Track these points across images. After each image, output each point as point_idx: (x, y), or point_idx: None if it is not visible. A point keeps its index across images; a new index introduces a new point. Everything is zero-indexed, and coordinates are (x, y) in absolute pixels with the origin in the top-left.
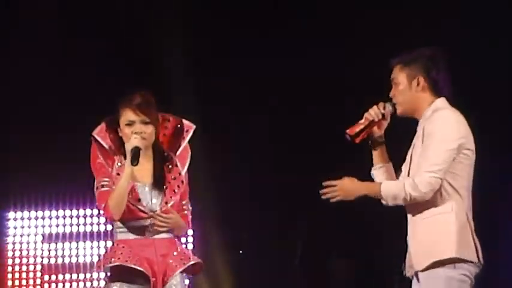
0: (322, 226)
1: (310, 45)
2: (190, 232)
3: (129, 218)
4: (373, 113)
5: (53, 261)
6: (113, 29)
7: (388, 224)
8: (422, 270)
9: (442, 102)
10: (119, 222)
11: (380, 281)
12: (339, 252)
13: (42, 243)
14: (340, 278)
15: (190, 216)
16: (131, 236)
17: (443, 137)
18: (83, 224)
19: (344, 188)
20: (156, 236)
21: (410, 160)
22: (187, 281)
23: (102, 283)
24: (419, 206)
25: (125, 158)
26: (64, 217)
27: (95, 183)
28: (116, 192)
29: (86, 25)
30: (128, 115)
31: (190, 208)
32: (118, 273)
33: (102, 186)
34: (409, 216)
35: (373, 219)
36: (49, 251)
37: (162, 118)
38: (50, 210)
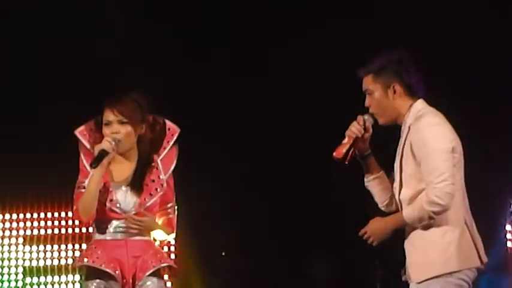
0: (303, 226)
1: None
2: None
3: (102, 218)
4: (355, 129)
5: (34, 263)
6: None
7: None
8: (419, 282)
9: (421, 104)
10: (96, 220)
11: (362, 278)
12: (319, 251)
13: (24, 245)
14: (321, 277)
15: (175, 220)
16: (105, 237)
17: (438, 145)
18: (65, 227)
19: (374, 232)
20: (130, 238)
21: (401, 170)
22: (169, 284)
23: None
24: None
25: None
26: (46, 219)
27: (76, 183)
28: (85, 195)
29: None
30: (106, 115)
31: (175, 212)
32: (91, 273)
33: (78, 187)
34: (406, 230)
35: (354, 216)
36: (30, 253)
37: (152, 120)
38: (32, 213)
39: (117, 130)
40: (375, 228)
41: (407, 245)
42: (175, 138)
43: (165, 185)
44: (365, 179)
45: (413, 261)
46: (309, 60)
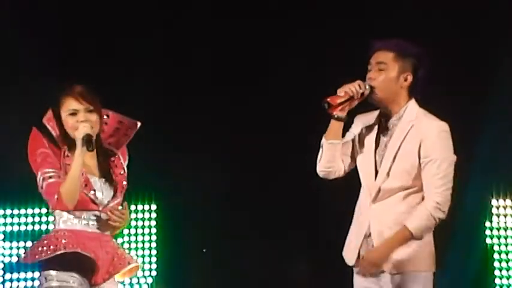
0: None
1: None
2: (153, 231)
3: (80, 208)
4: (354, 89)
5: (14, 259)
6: None
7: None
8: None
9: (416, 103)
10: (63, 213)
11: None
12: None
13: (4, 241)
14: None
15: None
16: (75, 227)
17: (450, 154)
18: (45, 223)
19: (369, 263)
20: (102, 232)
21: (393, 161)
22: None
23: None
24: (401, 213)
25: (70, 149)
26: (26, 215)
27: (39, 174)
28: (68, 181)
29: None
30: (70, 104)
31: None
32: (56, 261)
33: (50, 177)
34: (378, 219)
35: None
36: (10, 249)
37: (107, 114)
38: (12, 209)
39: (87, 118)
40: (372, 261)
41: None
42: (134, 132)
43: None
44: (328, 140)
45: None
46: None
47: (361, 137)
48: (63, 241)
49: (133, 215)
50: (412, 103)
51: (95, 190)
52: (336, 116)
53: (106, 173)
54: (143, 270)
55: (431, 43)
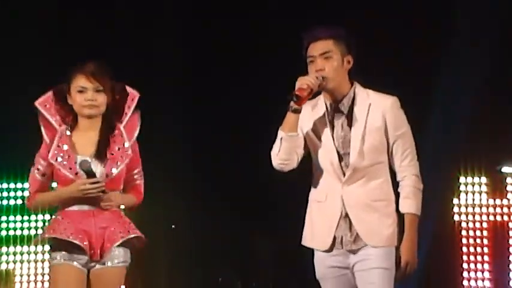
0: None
1: None
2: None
3: None
4: (314, 81)
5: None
6: None
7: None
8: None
9: (359, 85)
10: None
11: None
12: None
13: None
14: (265, 257)
15: (142, 186)
16: (72, 208)
17: (409, 128)
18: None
19: (413, 263)
20: (98, 208)
21: (363, 141)
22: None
23: (45, 256)
24: (373, 190)
25: (71, 128)
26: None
27: (35, 157)
28: (44, 201)
29: None
30: (80, 81)
31: (142, 178)
32: (58, 244)
33: (38, 169)
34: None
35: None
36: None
37: (116, 87)
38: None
39: (94, 97)
40: (409, 259)
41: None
42: (135, 103)
43: (130, 152)
44: (288, 133)
45: (370, 229)
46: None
47: (310, 125)
48: (57, 226)
49: None
50: (357, 84)
51: (78, 173)
52: (293, 108)
53: (101, 150)
54: None
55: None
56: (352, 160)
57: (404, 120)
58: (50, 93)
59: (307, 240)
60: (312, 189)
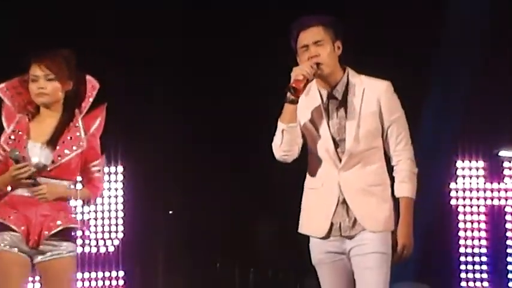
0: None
1: None
2: (120, 193)
3: None
4: (309, 71)
5: None
6: None
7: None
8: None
9: (351, 70)
10: None
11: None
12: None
13: None
14: (264, 238)
15: (101, 181)
16: (16, 192)
17: (401, 109)
18: None
19: (409, 245)
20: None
21: (358, 126)
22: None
23: None
24: (369, 175)
25: (32, 116)
26: None
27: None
28: None
29: None
30: (33, 70)
31: (102, 173)
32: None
33: None
34: (350, 184)
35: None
36: None
37: (76, 77)
38: None
39: (44, 86)
40: (406, 243)
41: (361, 203)
42: (95, 93)
43: (83, 143)
44: (288, 124)
45: (368, 214)
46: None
47: (305, 113)
48: (0, 208)
49: None
50: (350, 70)
51: (24, 156)
52: (290, 99)
53: (54, 138)
54: (110, 232)
55: None
56: (348, 146)
57: (399, 105)
58: (14, 80)
59: (303, 227)
60: (308, 177)
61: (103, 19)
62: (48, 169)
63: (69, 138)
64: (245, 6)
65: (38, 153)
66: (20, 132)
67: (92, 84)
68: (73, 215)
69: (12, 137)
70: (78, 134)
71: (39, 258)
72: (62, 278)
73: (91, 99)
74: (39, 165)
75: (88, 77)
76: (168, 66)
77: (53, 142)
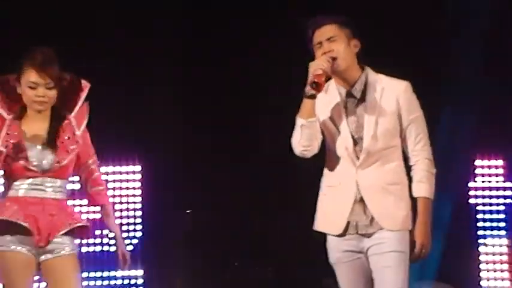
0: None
1: None
2: (138, 192)
3: (16, 176)
4: (327, 65)
5: None
6: None
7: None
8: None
9: (370, 69)
10: (10, 179)
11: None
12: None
13: None
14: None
15: (101, 175)
16: (19, 194)
17: (421, 109)
18: None
19: (428, 244)
20: (46, 196)
21: (376, 124)
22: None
23: None
24: (387, 173)
25: (19, 117)
26: None
27: None
28: None
29: None
30: (31, 76)
31: (96, 164)
32: (5, 229)
33: None
34: (368, 182)
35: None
36: None
37: (64, 77)
38: None
39: (44, 94)
40: (424, 242)
41: (378, 202)
42: (86, 93)
43: (80, 141)
44: (307, 119)
45: (387, 213)
46: None
47: (323, 111)
48: (5, 210)
49: (117, 177)
50: (369, 69)
51: (28, 158)
52: (309, 94)
53: (51, 139)
54: (128, 232)
55: None
56: (366, 144)
57: (418, 105)
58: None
59: (319, 225)
60: (325, 174)
61: (115, 20)
62: (52, 170)
63: (66, 138)
64: (245, 6)
65: (38, 155)
66: (16, 134)
67: (83, 85)
68: (77, 214)
69: (12, 140)
70: (73, 133)
71: (44, 256)
72: (69, 276)
73: (82, 100)
74: (43, 167)
75: (75, 76)
76: (187, 66)
77: (51, 143)
